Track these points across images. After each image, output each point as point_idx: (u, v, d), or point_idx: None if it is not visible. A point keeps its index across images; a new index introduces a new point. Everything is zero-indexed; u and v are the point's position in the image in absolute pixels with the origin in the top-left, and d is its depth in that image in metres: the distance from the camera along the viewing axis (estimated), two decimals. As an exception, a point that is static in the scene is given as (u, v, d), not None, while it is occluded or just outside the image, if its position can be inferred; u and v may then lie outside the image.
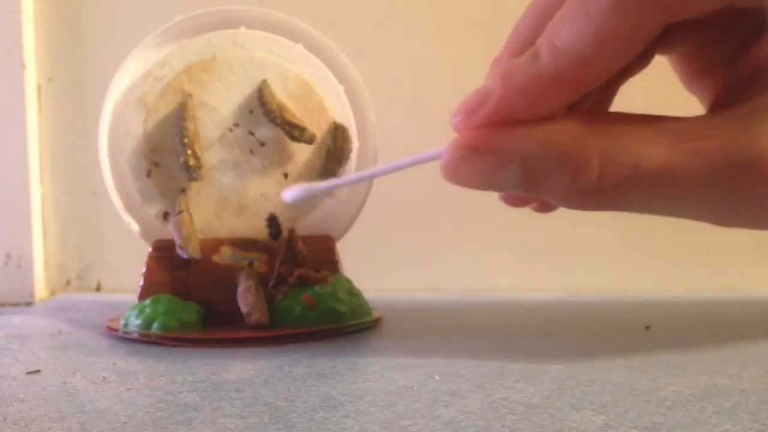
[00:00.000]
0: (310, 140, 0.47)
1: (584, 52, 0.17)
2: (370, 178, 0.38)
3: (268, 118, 0.46)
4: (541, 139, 0.17)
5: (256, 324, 0.42)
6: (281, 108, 0.46)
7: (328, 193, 0.45)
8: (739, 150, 0.17)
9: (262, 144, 0.48)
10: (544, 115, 0.18)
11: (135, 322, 0.43)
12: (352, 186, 0.51)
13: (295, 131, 0.46)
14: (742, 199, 0.17)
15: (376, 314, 0.47)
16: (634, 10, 0.16)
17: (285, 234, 0.46)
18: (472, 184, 0.18)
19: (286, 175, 0.48)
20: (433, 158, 0.21)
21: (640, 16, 0.17)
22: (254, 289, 0.43)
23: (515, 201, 0.24)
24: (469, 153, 0.18)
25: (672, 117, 0.18)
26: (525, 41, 0.21)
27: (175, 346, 0.40)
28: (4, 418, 0.27)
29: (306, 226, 0.49)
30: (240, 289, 0.43)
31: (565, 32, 0.17)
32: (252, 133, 0.48)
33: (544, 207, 0.24)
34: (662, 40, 0.19)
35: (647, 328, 0.43)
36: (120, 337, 0.43)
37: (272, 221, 0.46)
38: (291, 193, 0.36)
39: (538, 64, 0.17)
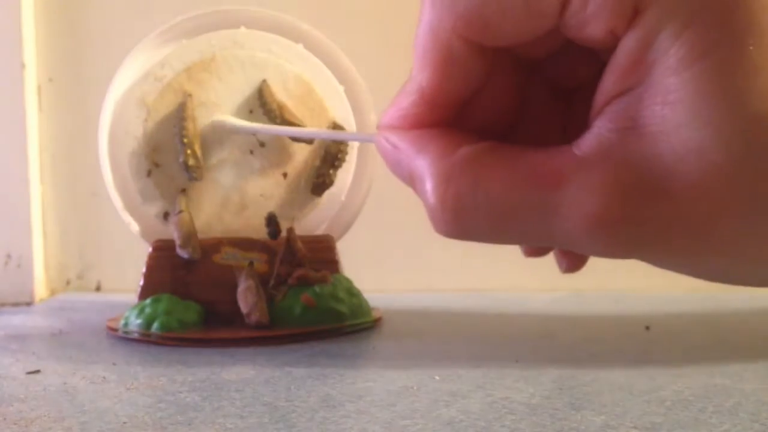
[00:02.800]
0: (309, 140, 0.47)
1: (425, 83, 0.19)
2: (298, 135, 0.43)
3: (267, 118, 0.46)
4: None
5: (255, 324, 0.42)
6: (281, 107, 0.46)
7: (249, 132, 0.46)
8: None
9: (262, 144, 0.48)
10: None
11: (135, 322, 0.43)
12: (354, 185, 0.50)
13: None
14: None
15: (376, 314, 0.47)
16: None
17: (284, 233, 0.46)
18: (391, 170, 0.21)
19: (285, 175, 0.48)
20: (365, 140, 0.23)
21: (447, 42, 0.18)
22: (254, 289, 0.43)
23: (531, 251, 0.25)
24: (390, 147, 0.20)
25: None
26: None
27: (175, 346, 0.40)
28: (4, 418, 0.27)
29: (306, 225, 0.49)
30: (240, 289, 0.43)
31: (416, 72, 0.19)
32: (252, 134, 0.48)
33: (567, 257, 0.24)
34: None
35: (647, 328, 0.43)
36: (120, 337, 0.43)
37: (271, 220, 0.46)
38: (218, 123, 0.39)
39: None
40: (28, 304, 0.61)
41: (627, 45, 0.16)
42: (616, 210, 0.16)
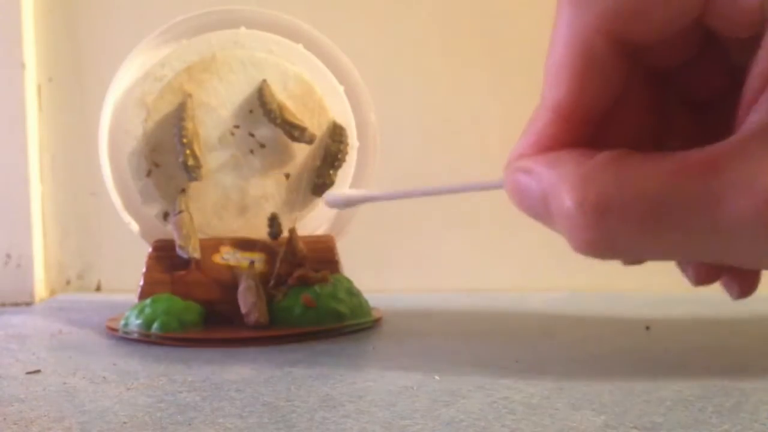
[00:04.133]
0: (310, 140, 0.47)
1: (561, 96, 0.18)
2: (421, 196, 0.38)
3: (268, 118, 0.46)
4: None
5: (254, 324, 0.42)
6: (281, 108, 0.46)
7: (367, 201, 0.44)
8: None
9: (262, 145, 0.48)
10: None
11: (135, 322, 0.43)
12: (354, 185, 0.50)
13: (295, 131, 0.46)
14: None
15: (376, 314, 0.47)
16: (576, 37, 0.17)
17: (285, 234, 0.46)
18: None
19: (287, 176, 0.48)
20: (492, 187, 0.21)
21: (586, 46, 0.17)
22: (254, 289, 0.43)
23: (701, 277, 0.21)
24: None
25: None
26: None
27: (175, 346, 0.40)
28: (4, 418, 0.27)
29: (306, 226, 0.49)
30: (240, 289, 0.43)
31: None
32: (252, 134, 0.48)
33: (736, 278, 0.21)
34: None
35: (647, 328, 0.43)
36: (120, 337, 0.43)
37: (273, 221, 0.46)
38: (332, 198, 0.36)
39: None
40: (28, 304, 0.61)
41: None
42: None
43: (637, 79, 0.19)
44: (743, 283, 0.20)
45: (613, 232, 0.16)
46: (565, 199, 0.16)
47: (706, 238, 0.15)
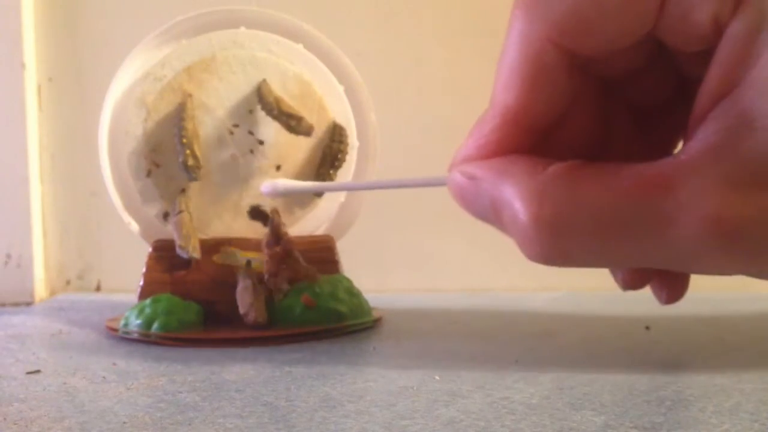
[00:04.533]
0: (307, 131, 0.46)
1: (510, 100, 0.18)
2: (364, 189, 0.37)
3: (265, 112, 0.46)
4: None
5: (253, 324, 0.42)
6: (278, 100, 0.46)
7: (312, 193, 0.44)
8: None
9: (262, 143, 0.48)
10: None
11: (135, 322, 0.43)
12: (358, 195, 0.50)
13: (292, 121, 0.46)
14: None
15: (376, 314, 0.47)
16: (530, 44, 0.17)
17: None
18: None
19: (278, 168, 0.48)
20: (436, 184, 0.21)
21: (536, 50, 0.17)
22: (252, 289, 0.43)
23: (630, 280, 0.22)
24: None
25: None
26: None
27: (175, 346, 0.40)
28: (4, 418, 0.27)
29: (306, 226, 0.49)
30: (238, 289, 0.43)
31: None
32: (252, 133, 0.48)
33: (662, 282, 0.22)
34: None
35: (647, 328, 0.43)
36: (120, 337, 0.43)
37: (255, 213, 0.45)
38: (270, 186, 0.36)
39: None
40: (28, 304, 0.61)
41: (733, 32, 0.15)
42: (738, 207, 0.15)
43: (585, 87, 0.19)
44: (672, 290, 0.21)
45: (568, 247, 0.16)
46: (519, 213, 0.16)
47: (658, 252, 0.16)
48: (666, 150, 0.20)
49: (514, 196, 0.17)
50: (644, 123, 0.20)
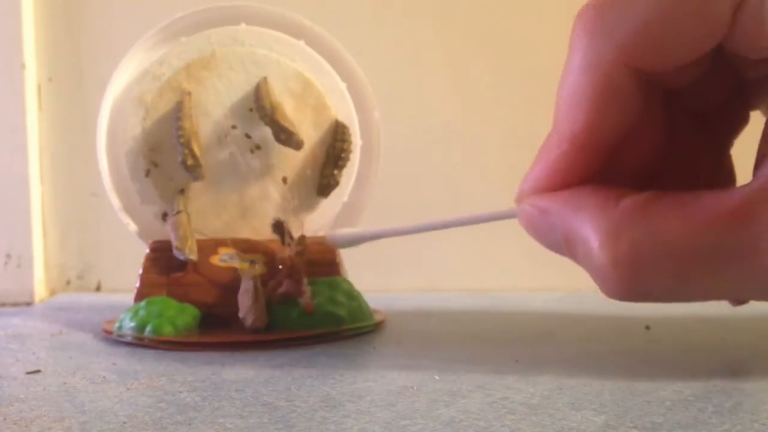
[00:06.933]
0: (297, 146, 0.45)
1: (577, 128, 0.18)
2: (430, 230, 0.37)
3: (259, 115, 0.46)
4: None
5: (251, 328, 0.41)
6: (273, 107, 0.45)
7: (376, 237, 0.42)
8: None
9: (260, 145, 0.47)
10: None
11: (129, 325, 0.42)
12: (357, 185, 0.50)
13: (282, 134, 0.44)
14: None
15: (378, 317, 0.46)
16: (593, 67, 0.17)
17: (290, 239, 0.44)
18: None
19: (285, 180, 0.48)
20: (505, 217, 0.21)
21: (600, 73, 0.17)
22: (252, 292, 0.42)
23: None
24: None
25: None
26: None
27: (168, 350, 0.40)
28: (4, 418, 0.27)
29: (308, 227, 0.49)
30: (240, 291, 0.43)
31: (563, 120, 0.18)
32: (248, 136, 0.47)
33: None
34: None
35: (647, 327, 0.43)
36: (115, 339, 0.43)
37: (277, 227, 0.44)
38: (337, 237, 0.36)
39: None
40: (28, 304, 0.61)
41: None
42: None
43: (651, 101, 0.18)
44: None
45: (648, 284, 0.16)
46: (595, 251, 0.16)
47: (739, 283, 0.16)
48: (724, 150, 0.20)
49: (589, 233, 0.17)
50: (703, 127, 0.20)
